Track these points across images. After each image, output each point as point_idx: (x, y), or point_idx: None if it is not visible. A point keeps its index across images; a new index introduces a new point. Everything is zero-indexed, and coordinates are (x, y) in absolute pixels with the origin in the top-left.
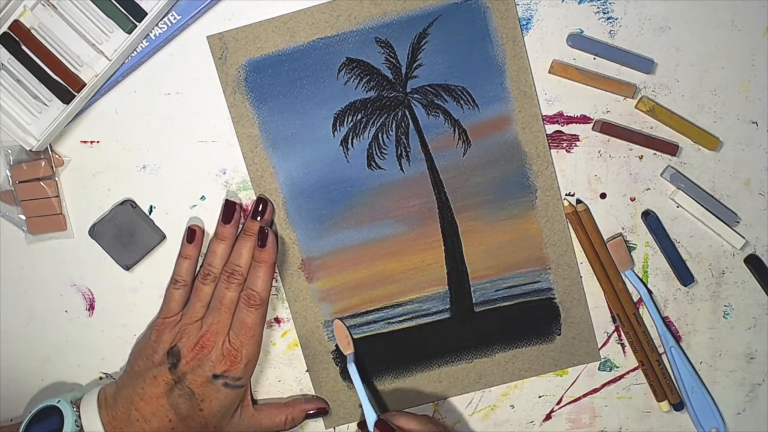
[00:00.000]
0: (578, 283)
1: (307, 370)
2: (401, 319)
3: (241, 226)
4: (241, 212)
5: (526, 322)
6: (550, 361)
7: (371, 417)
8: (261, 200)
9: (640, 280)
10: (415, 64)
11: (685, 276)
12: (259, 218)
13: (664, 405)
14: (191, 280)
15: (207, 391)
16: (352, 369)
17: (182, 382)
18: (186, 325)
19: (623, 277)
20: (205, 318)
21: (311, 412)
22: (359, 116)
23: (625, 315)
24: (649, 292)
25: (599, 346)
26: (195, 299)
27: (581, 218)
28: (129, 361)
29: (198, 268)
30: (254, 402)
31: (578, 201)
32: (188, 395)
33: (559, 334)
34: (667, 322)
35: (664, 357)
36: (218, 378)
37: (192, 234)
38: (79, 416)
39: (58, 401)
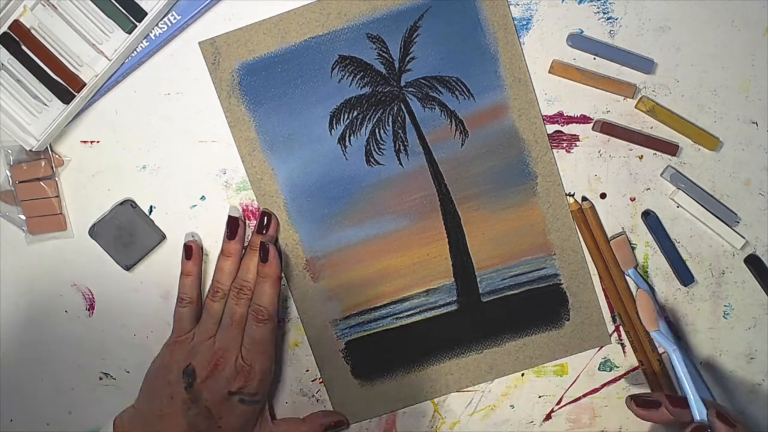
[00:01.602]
0: (584, 267)
1: (307, 370)
2: (409, 313)
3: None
4: (245, 227)
5: (535, 310)
6: (560, 348)
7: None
8: (265, 214)
9: (643, 278)
10: (408, 58)
11: (685, 276)
12: (264, 232)
13: None
14: (197, 296)
15: (224, 408)
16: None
17: (199, 401)
18: (199, 344)
19: (626, 275)
20: (216, 335)
21: (330, 426)
22: (355, 113)
23: (627, 314)
24: (652, 291)
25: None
26: (206, 317)
27: (586, 216)
28: (144, 383)
29: (204, 283)
30: (273, 417)
31: (584, 198)
32: (206, 414)
33: (568, 320)
34: (667, 322)
35: (665, 357)
36: (234, 395)
37: (189, 250)
38: None
39: None
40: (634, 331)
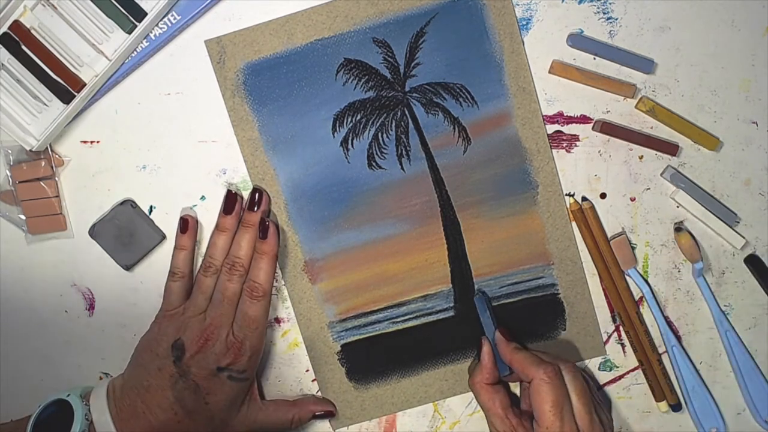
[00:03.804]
0: (582, 278)
1: (307, 370)
2: (405, 318)
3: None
4: (242, 204)
5: (531, 319)
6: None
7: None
8: (256, 190)
9: (643, 278)
10: (413, 63)
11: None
12: (256, 209)
13: (663, 405)
14: (189, 272)
15: (212, 384)
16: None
17: (187, 376)
18: (189, 318)
19: (626, 275)
20: (208, 311)
21: (319, 413)
22: (359, 116)
23: (627, 314)
24: (651, 291)
25: None
26: (197, 292)
27: (586, 216)
28: (133, 355)
29: (198, 260)
30: (262, 397)
31: (584, 198)
32: (193, 388)
33: (564, 330)
34: (667, 322)
35: (664, 357)
36: (223, 371)
37: (185, 224)
38: (89, 410)
39: (68, 395)
40: (634, 331)
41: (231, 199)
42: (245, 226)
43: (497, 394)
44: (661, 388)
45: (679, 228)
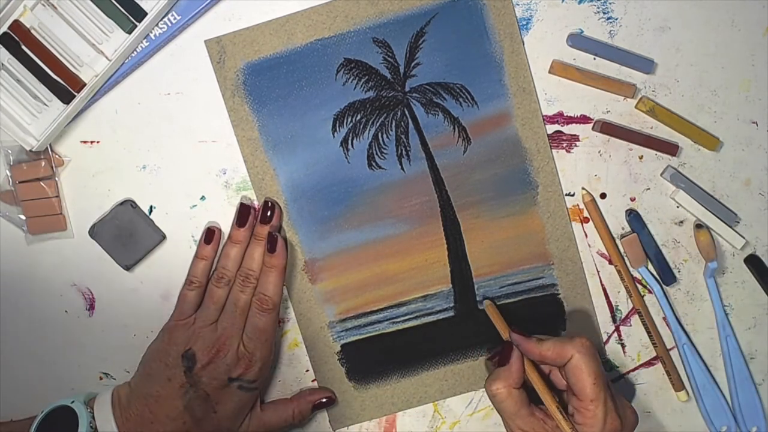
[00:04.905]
0: (582, 278)
1: (307, 370)
2: (405, 318)
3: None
4: (255, 216)
5: (531, 319)
6: None
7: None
8: (269, 203)
9: (654, 276)
10: (413, 63)
11: (666, 275)
12: (267, 222)
13: (683, 395)
14: (206, 282)
15: (222, 394)
16: None
17: (197, 385)
18: (200, 328)
19: (638, 273)
20: (219, 321)
21: (318, 402)
22: (358, 116)
23: (643, 305)
24: (662, 289)
25: None
26: (209, 302)
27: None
28: (142, 363)
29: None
30: (261, 401)
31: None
32: (203, 398)
33: (564, 330)
34: (677, 319)
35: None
36: (234, 381)
37: (210, 235)
38: (93, 417)
39: (72, 401)
40: (651, 320)
41: (245, 211)
42: (257, 239)
43: (521, 395)
44: (679, 377)
45: (699, 225)
